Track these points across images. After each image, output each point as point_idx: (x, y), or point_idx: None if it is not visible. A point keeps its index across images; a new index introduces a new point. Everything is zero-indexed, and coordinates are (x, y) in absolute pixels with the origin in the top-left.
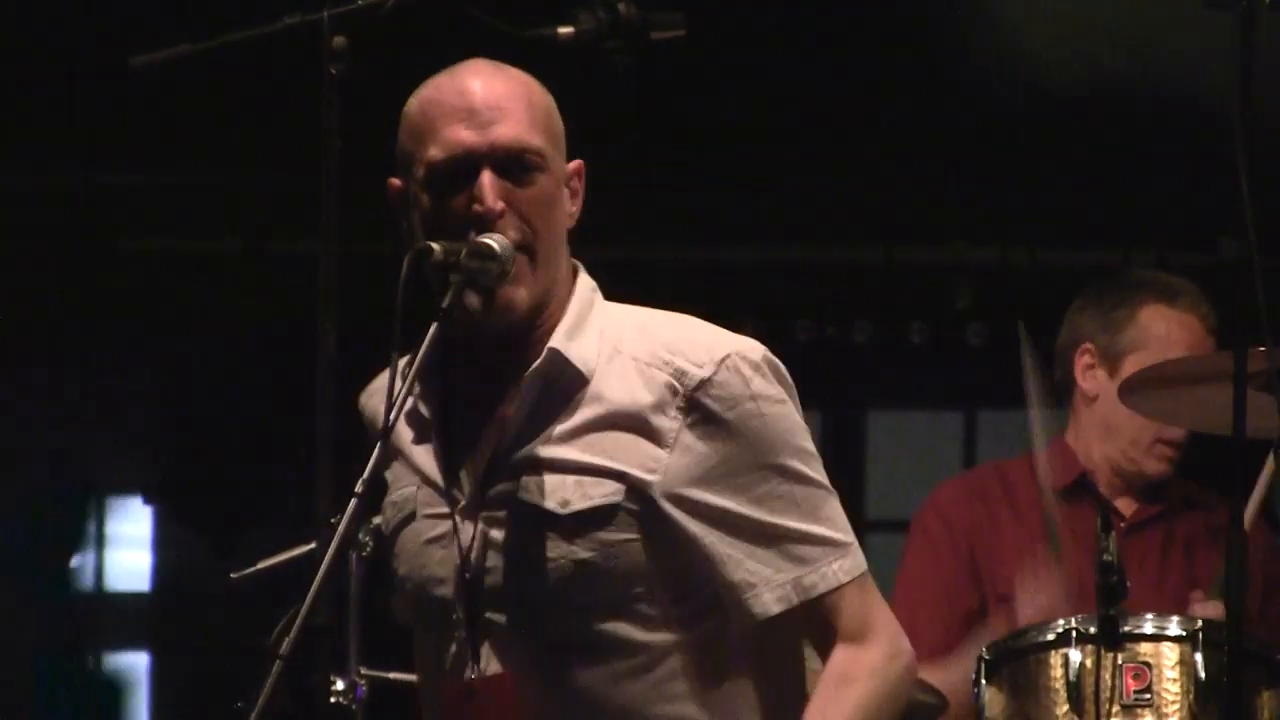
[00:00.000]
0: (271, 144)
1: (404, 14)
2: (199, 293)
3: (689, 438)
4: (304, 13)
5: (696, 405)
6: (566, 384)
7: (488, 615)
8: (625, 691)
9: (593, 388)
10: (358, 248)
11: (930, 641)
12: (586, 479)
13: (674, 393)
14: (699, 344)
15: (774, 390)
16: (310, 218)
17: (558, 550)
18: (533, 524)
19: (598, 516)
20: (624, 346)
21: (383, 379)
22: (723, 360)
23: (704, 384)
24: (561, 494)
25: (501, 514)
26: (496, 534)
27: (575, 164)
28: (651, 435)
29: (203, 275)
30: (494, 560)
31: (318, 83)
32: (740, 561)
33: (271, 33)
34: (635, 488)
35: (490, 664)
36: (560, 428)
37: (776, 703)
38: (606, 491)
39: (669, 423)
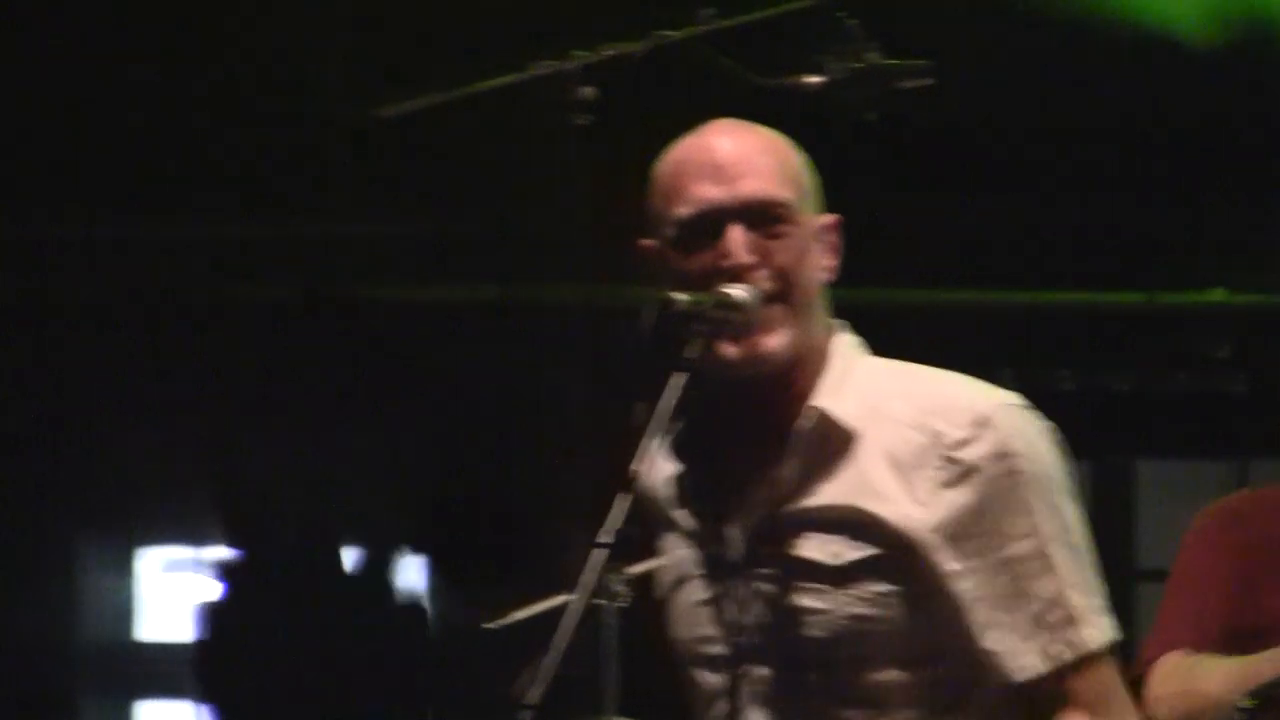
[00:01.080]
0: (515, 191)
1: (654, 65)
2: (453, 342)
3: (946, 497)
4: (555, 62)
5: (953, 466)
6: (830, 442)
7: (758, 672)
8: None
9: (855, 446)
10: (605, 296)
11: (1188, 640)
12: (853, 533)
13: (932, 453)
14: (957, 404)
15: (1032, 450)
16: (556, 266)
17: (827, 603)
18: (803, 578)
19: (864, 569)
20: (884, 405)
21: (657, 442)
22: (980, 420)
23: (961, 444)
24: (830, 547)
25: (771, 571)
26: (767, 590)
27: (830, 218)
28: (911, 494)
29: (451, 324)
30: (765, 616)
31: (563, 130)
32: (990, 625)
33: (520, 83)
34: (898, 543)
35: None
36: (825, 485)
37: None
38: (872, 545)
39: (927, 483)
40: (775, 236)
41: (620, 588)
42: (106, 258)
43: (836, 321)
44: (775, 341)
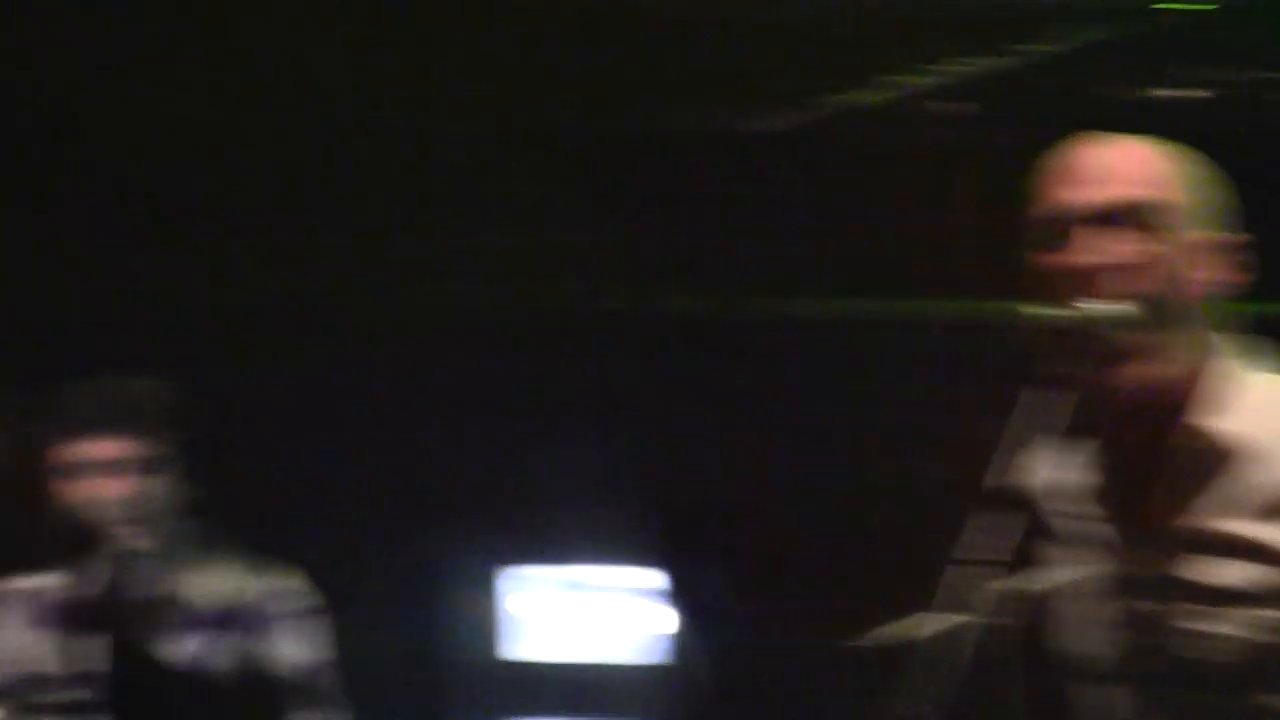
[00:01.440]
0: (885, 207)
1: (1024, 80)
2: (827, 356)
3: None
4: (918, 79)
5: None
6: (1222, 462)
7: (1146, 691)
8: None
9: (1249, 466)
10: (976, 310)
11: None
12: (1250, 556)
13: None
14: None
15: None
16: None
17: (1224, 627)
18: (1201, 601)
19: (1263, 594)
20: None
21: (1029, 457)
22: None
23: None
24: (1228, 571)
25: (1167, 590)
26: (1161, 609)
27: (1226, 236)
28: None
29: (828, 339)
30: (1157, 636)
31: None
32: None
33: (889, 100)
34: None
35: None
36: (1219, 506)
37: None
38: (1270, 569)
39: None
40: (1134, 243)
41: (1003, 605)
42: (496, 267)
43: (1237, 335)
44: (1136, 372)
